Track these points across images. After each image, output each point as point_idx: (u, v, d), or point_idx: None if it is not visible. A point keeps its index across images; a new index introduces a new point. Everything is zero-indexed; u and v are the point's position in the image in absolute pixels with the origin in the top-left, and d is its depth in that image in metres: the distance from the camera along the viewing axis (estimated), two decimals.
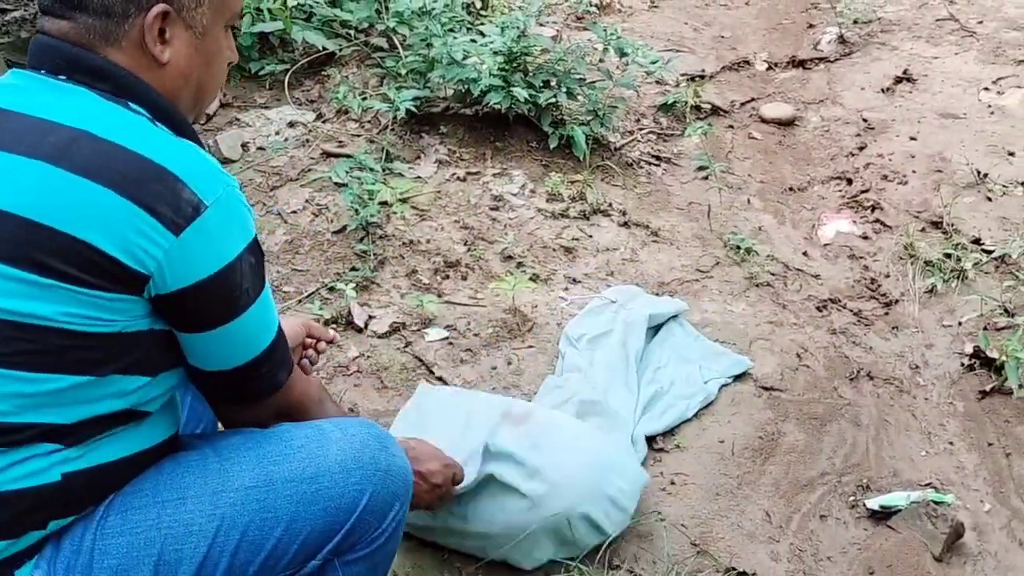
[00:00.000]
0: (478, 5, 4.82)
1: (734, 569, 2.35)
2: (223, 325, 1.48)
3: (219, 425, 1.74)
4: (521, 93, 3.85)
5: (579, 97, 4.13)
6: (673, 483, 2.64)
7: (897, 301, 3.52)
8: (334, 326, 3.03)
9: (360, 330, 3.05)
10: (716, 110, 4.71)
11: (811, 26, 5.62)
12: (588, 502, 2.27)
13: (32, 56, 1.50)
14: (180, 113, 1.56)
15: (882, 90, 4.88)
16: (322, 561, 1.59)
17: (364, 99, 4.07)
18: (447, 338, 3.07)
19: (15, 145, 1.41)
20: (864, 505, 2.65)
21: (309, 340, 2.10)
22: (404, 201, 3.66)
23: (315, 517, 1.56)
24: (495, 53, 3.90)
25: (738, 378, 3.02)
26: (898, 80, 4.93)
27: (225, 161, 3.87)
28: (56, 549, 1.46)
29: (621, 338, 2.99)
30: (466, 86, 3.94)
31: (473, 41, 4.00)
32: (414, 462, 1.85)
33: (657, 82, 4.77)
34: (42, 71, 1.49)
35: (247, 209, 1.51)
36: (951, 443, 2.90)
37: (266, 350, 1.56)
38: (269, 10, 4.29)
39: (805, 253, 3.78)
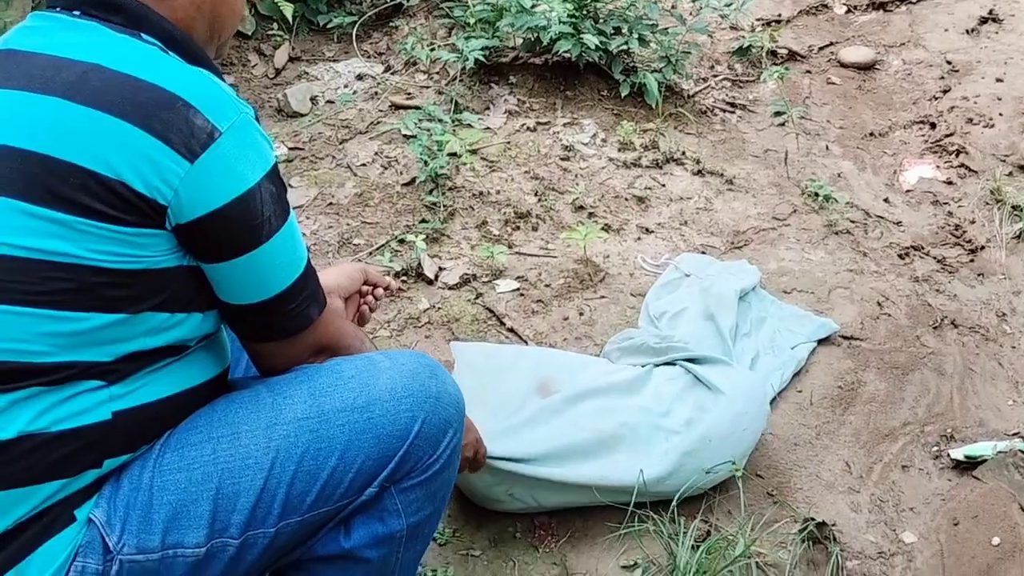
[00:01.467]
0: None
1: (812, 519, 2.29)
2: (246, 254, 1.46)
3: None
4: (591, 40, 3.78)
5: (651, 43, 4.05)
6: None
7: (983, 247, 3.40)
8: (404, 278, 3.01)
9: (431, 282, 3.02)
10: (793, 55, 4.59)
11: None
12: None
13: None
14: (195, 43, 1.54)
15: (967, 31, 4.71)
16: (378, 488, 1.58)
17: (432, 50, 4.03)
18: (518, 289, 3.03)
19: (29, 84, 1.40)
20: (948, 455, 2.57)
21: (366, 288, 2.08)
22: (473, 152, 3.62)
23: (368, 445, 1.55)
24: (564, 0, 3.82)
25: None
26: (983, 20, 4.76)
27: (294, 115, 3.87)
28: (115, 487, 1.47)
29: (707, 311, 2.83)
30: (535, 34, 3.88)
31: None
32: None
33: (732, 27, 4.65)
34: (57, 8, 1.49)
35: (264, 137, 1.49)
36: None
37: (295, 284, 1.53)
38: None
39: (886, 200, 3.67)
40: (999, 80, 4.28)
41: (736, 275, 3.00)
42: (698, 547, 2.18)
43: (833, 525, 2.30)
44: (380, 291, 2.11)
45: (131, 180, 1.36)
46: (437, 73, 4.08)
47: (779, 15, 4.90)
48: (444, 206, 3.33)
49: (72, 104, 1.37)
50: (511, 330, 2.87)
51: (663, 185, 3.59)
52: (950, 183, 3.76)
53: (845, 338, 2.93)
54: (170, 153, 1.37)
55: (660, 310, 2.89)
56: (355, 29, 4.32)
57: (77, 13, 1.47)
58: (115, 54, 1.42)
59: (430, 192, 3.37)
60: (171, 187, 1.37)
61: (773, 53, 4.53)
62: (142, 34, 1.47)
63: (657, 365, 2.54)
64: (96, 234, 1.36)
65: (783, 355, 2.79)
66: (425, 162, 3.39)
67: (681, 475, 2.26)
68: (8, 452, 1.37)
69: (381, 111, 3.87)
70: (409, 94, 3.97)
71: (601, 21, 3.95)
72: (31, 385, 1.38)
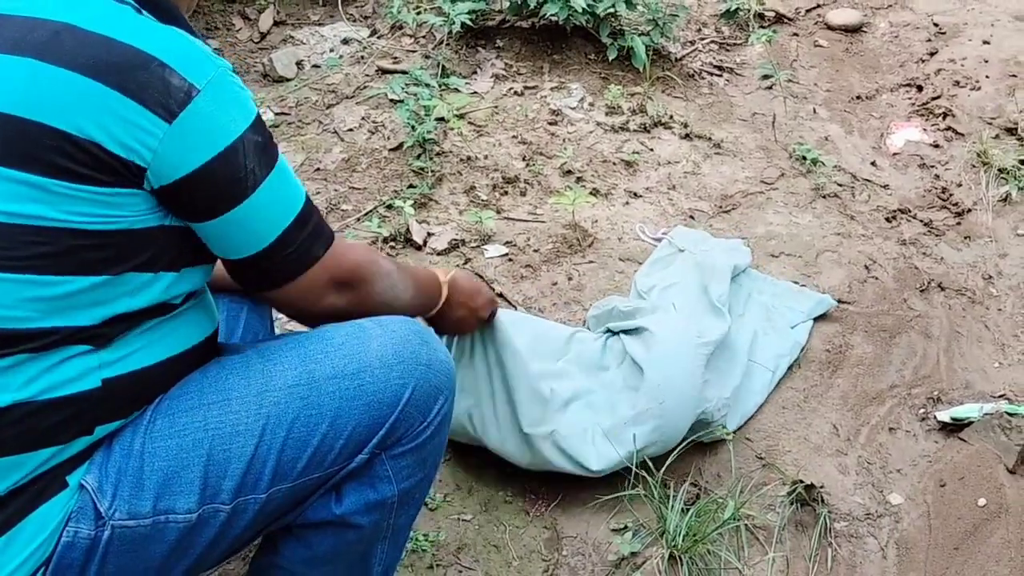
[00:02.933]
0: None
1: (801, 482, 2.31)
2: (234, 208, 1.45)
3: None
4: (579, 3, 3.76)
5: (638, 6, 4.02)
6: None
7: (969, 210, 3.42)
8: (392, 244, 3.01)
9: (419, 247, 3.02)
10: (780, 17, 4.57)
11: None
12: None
13: None
14: (170, 2, 1.51)
15: None
16: (369, 455, 1.58)
17: (419, 14, 4.00)
18: (507, 254, 3.03)
19: (1, 45, 1.38)
20: (935, 417, 2.59)
21: None
22: (461, 117, 3.60)
23: (358, 412, 1.55)
24: None
25: (803, 288, 2.95)
26: None
27: (280, 80, 3.85)
28: (107, 454, 1.47)
29: (701, 283, 2.78)
30: None
31: None
32: (465, 297, 1.92)
33: None
34: None
35: (244, 90, 1.47)
36: None
37: (290, 227, 1.51)
38: None
39: (873, 163, 3.67)
40: (986, 42, 4.27)
41: (729, 252, 2.95)
42: (688, 510, 2.19)
43: (821, 487, 2.32)
44: None
45: (106, 142, 1.34)
46: (423, 37, 4.06)
47: None
48: (432, 171, 3.32)
49: (45, 64, 1.35)
50: (500, 295, 2.87)
51: (651, 149, 3.59)
52: (937, 146, 3.76)
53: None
54: (146, 114, 1.35)
55: (649, 285, 2.86)
56: None
57: None
58: (88, 14, 1.40)
59: (418, 157, 3.36)
60: (149, 149, 1.36)
61: (760, 16, 4.51)
62: None
63: (615, 333, 2.56)
64: (73, 196, 1.35)
65: (783, 336, 2.75)
66: (412, 127, 3.37)
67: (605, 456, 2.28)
68: (1, 420, 1.37)
69: (368, 76, 3.85)
70: (396, 58, 3.95)
71: None
72: (17, 352, 1.37)
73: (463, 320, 1.95)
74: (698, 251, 2.95)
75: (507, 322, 2.15)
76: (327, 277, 1.58)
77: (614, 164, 3.49)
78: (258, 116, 1.48)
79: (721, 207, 3.33)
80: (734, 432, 2.43)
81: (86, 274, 1.39)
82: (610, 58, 3.93)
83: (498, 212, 3.20)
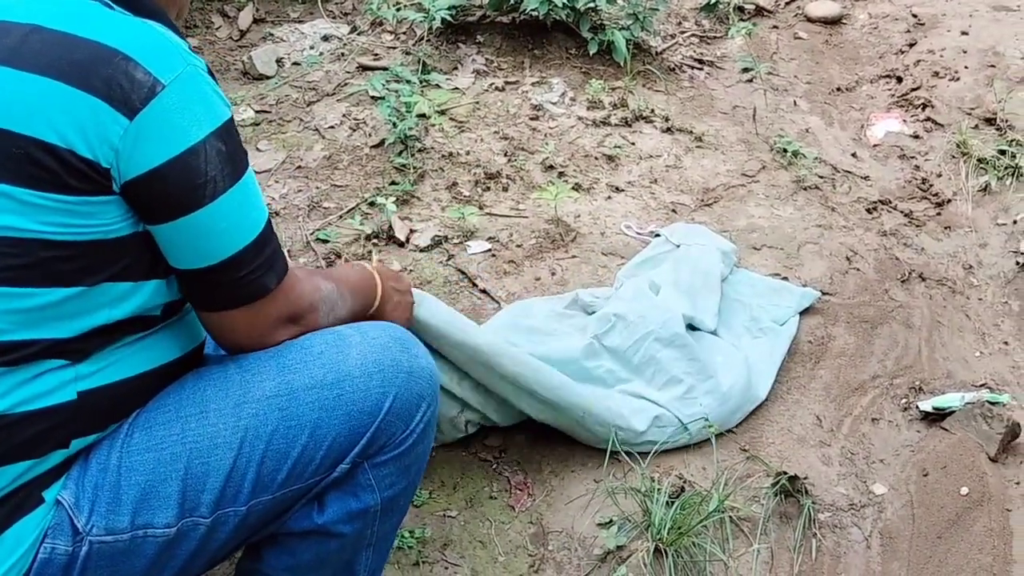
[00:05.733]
0: None
1: (785, 473, 2.32)
2: (188, 214, 1.40)
3: None
4: None
5: (618, 1, 4.03)
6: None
7: (949, 201, 3.44)
8: (375, 241, 3.01)
9: (402, 244, 3.02)
10: (760, 10, 4.58)
11: None
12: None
13: None
14: (152, 3, 1.48)
15: None
16: (350, 465, 1.56)
17: (398, 10, 4.00)
18: (490, 250, 3.03)
19: None
20: (917, 407, 2.61)
21: None
22: (442, 113, 3.60)
23: (339, 422, 1.53)
24: None
25: (785, 280, 2.97)
26: None
27: (260, 77, 3.84)
28: (83, 468, 1.45)
29: (689, 288, 2.77)
30: None
31: None
32: (393, 281, 1.86)
33: None
34: None
35: (216, 93, 1.43)
36: (1006, 343, 2.84)
37: (246, 249, 1.46)
38: None
39: (854, 154, 3.69)
40: (964, 33, 4.29)
41: (723, 255, 2.92)
42: (673, 503, 2.20)
43: (805, 479, 2.33)
44: None
45: (74, 144, 1.32)
46: (404, 33, 4.05)
47: None
48: (414, 168, 3.31)
49: (11, 70, 1.33)
50: (483, 291, 2.87)
51: (632, 143, 3.59)
52: (917, 137, 3.78)
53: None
54: (109, 111, 1.32)
55: (632, 273, 2.87)
56: None
57: None
58: (55, 13, 1.37)
59: (399, 154, 3.35)
60: (112, 147, 1.33)
61: (740, 8, 4.53)
62: None
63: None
64: (44, 206, 1.32)
65: (772, 335, 2.73)
66: (394, 124, 3.37)
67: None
68: None
69: (348, 72, 3.84)
70: (376, 55, 3.94)
71: None
72: None
73: (398, 305, 1.88)
74: (694, 244, 2.93)
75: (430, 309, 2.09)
76: (276, 312, 1.53)
77: (596, 158, 3.49)
78: (228, 122, 1.43)
79: (703, 200, 3.34)
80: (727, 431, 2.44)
81: (60, 285, 1.36)
82: (591, 52, 3.94)
83: (480, 208, 3.20)
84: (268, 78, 3.84)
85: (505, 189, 3.31)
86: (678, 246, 2.95)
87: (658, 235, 3.08)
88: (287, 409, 1.51)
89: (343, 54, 3.95)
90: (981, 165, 3.52)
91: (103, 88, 1.32)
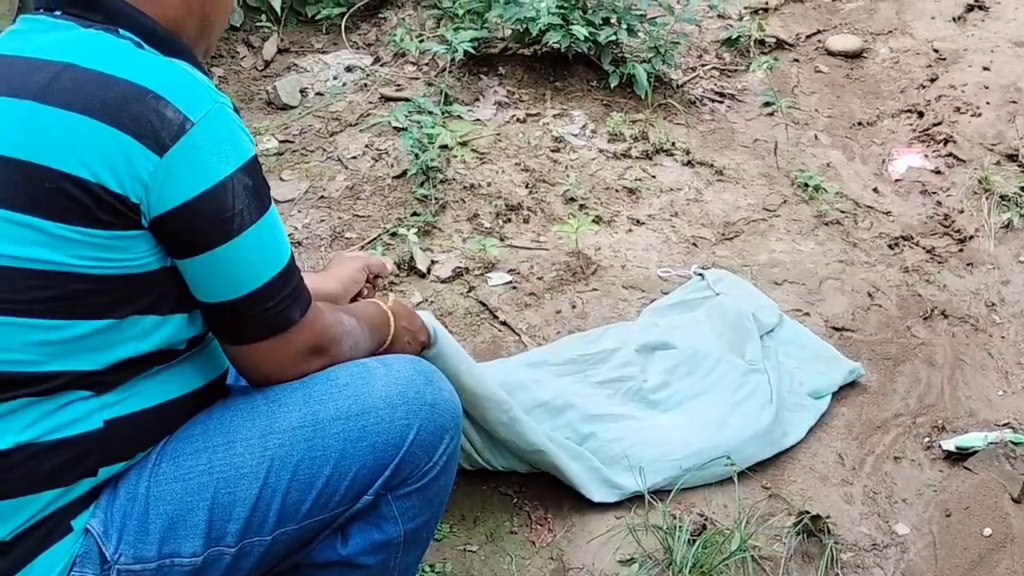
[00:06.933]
0: None
1: (807, 512, 2.31)
2: (216, 248, 1.42)
3: None
4: (580, 31, 3.78)
5: (640, 34, 4.05)
6: None
7: (972, 237, 3.43)
8: (397, 272, 3.01)
9: (423, 275, 3.02)
10: (781, 44, 4.59)
11: None
12: None
13: None
14: (181, 40, 1.52)
15: (953, 19, 4.72)
16: (374, 496, 1.58)
17: (421, 41, 4.02)
18: (510, 282, 3.04)
19: (6, 88, 1.40)
20: (939, 446, 2.59)
21: (368, 287, 2.08)
22: (464, 144, 3.61)
23: (363, 453, 1.55)
24: None
25: (806, 316, 2.96)
26: (970, 8, 4.77)
27: (284, 107, 3.86)
28: (112, 497, 1.47)
29: (731, 339, 2.76)
30: (524, 25, 3.87)
31: None
32: (407, 322, 1.86)
33: (719, 16, 4.66)
34: (40, 11, 1.49)
35: (241, 129, 1.46)
36: None
37: (271, 282, 1.47)
38: None
39: (875, 189, 3.69)
40: (986, 68, 4.29)
41: (760, 309, 2.85)
42: (694, 541, 2.19)
43: (827, 518, 2.32)
44: (381, 281, 2.12)
45: (104, 179, 1.34)
46: (426, 65, 4.07)
47: (766, 3, 4.89)
48: (435, 199, 3.33)
49: (44, 106, 1.36)
50: (504, 323, 2.87)
51: (653, 176, 3.60)
52: (938, 172, 3.77)
53: (836, 329, 2.95)
54: (140, 148, 1.35)
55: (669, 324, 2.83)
56: (344, 20, 4.30)
57: (58, 13, 1.47)
58: (87, 51, 1.41)
59: (421, 184, 3.37)
60: (142, 183, 1.36)
61: (761, 42, 4.53)
62: (119, 30, 1.46)
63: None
64: (76, 240, 1.35)
65: (805, 403, 2.64)
66: (416, 155, 3.38)
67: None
68: (3, 462, 1.37)
69: (371, 103, 3.86)
70: (399, 86, 3.96)
71: (590, 12, 3.95)
72: (20, 396, 1.37)
73: (407, 345, 1.88)
74: (732, 295, 2.89)
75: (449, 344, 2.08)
76: (302, 344, 1.54)
77: (617, 191, 3.50)
78: (253, 159, 1.46)
79: (724, 234, 3.34)
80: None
81: (90, 318, 1.39)
82: (612, 85, 3.95)
83: (501, 240, 3.20)
84: (292, 108, 3.87)
85: (526, 221, 3.31)
86: (717, 294, 2.93)
87: (701, 275, 3.05)
88: (312, 440, 1.53)
89: (366, 85, 3.98)
90: (1003, 202, 3.51)
91: (134, 125, 1.35)
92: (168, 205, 1.38)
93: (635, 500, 2.29)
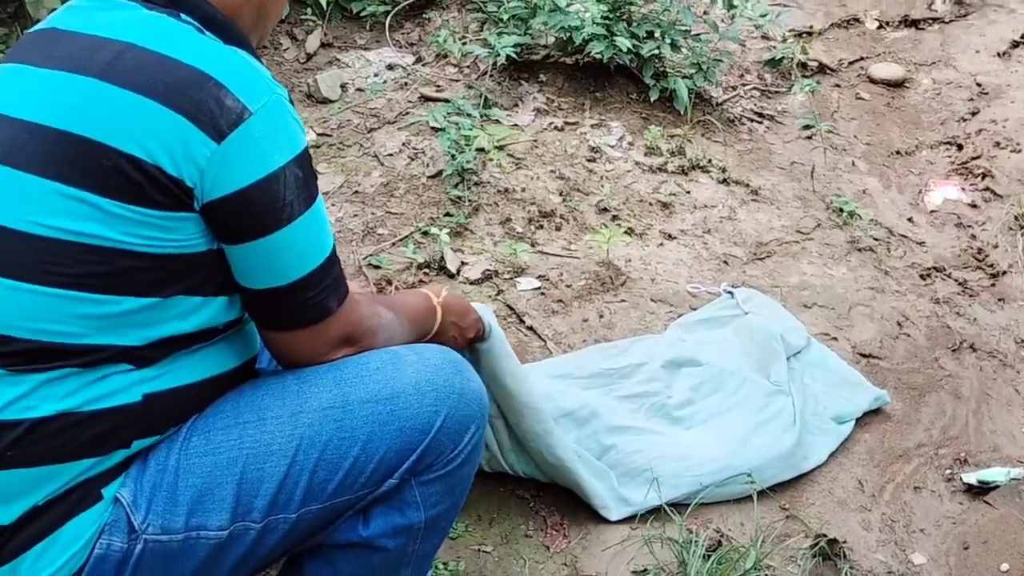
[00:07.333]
0: None
1: (824, 536, 2.29)
2: (265, 236, 1.45)
3: None
4: (624, 43, 3.78)
5: (683, 49, 4.05)
6: None
7: (1004, 272, 3.40)
8: (426, 270, 3.02)
9: (452, 276, 3.03)
10: (823, 68, 4.58)
11: None
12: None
13: None
14: (237, 28, 1.54)
15: (998, 54, 4.70)
16: (399, 480, 1.59)
17: (464, 44, 4.04)
18: (539, 288, 3.04)
19: (67, 64, 1.42)
20: (961, 479, 2.57)
21: None
22: (501, 148, 3.62)
23: (391, 437, 1.56)
24: (599, 1, 3.83)
25: (834, 340, 2.95)
26: (1015, 44, 4.75)
27: (324, 101, 3.89)
28: (142, 468, 1.49)
29: (758, 358, 2.76)
30: (568, 34, 3.88)
31: None
32: (456, 318, 1.90)
33: (764, 37, 4.66)
34: None
35: (296, 121, 1.48)
36: None
37: (315, 272, 1.51)
38: None
39: (910, 219, 3.67)
40: None
41: (789, 331, 2.84)
42: (709, 556, 2.18)
43: (844, 542, 2.31)
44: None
45: (161, 161, 1.37)
46: (468, 67, 4.09)
47: (811, 27, 4.89)
48: (469, 201, 3.33)
49: (106, 84, 1.39)
50: (531, 328, 2.88)
51: (688, 192, 3.59)
52: (975, 206, 3.75)
53: (863, 356, 2.94)
54: (198, 133, 1.37)
55: (696, 340, 2.82)
56: (388, 18, 4.32)
57: None
58: (150, 33, 1.43)
59: (456, 186, 3.38)
60: (198, 168, 1.38)
61: (803, 65, 4.52)
62: (181, 14, 1.48)
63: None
64: (128, 217, 1.37)
65: (828, 427, 2.63)
66: (452, 156, 3.39)
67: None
68: (42, 430, 1.39)
69: (410, 102, 3.88)
70: (439, 87, 3.98)
71: (634, 24, 3.96)
72: (63, 366, 1.39)
73: (451, 340, 1.91)
74: (761, 315, 2.88)
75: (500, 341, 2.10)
76: (337, 333, 1.58)
77: (650, 204, 3.50)
78: (305, 150, 1.49)
79: (755, 254, 3.33)
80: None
81: (137, 295, 1.41)
82: (652, 99, 3.95)
83: (532, 245, 3.21)
84: (331, 102, 3.88)
85: (558, 228, 3.32)
86: (746, 313, 2.92)
87: (731, 293, 3.04)
88: (341, 421, 1.55)
89: (406, 83, 4.00)
90: None
91: (193, 111, 1.38)
92: (222, 191, 1.40)
93: (652, 512, 2.28)
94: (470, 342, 2.00)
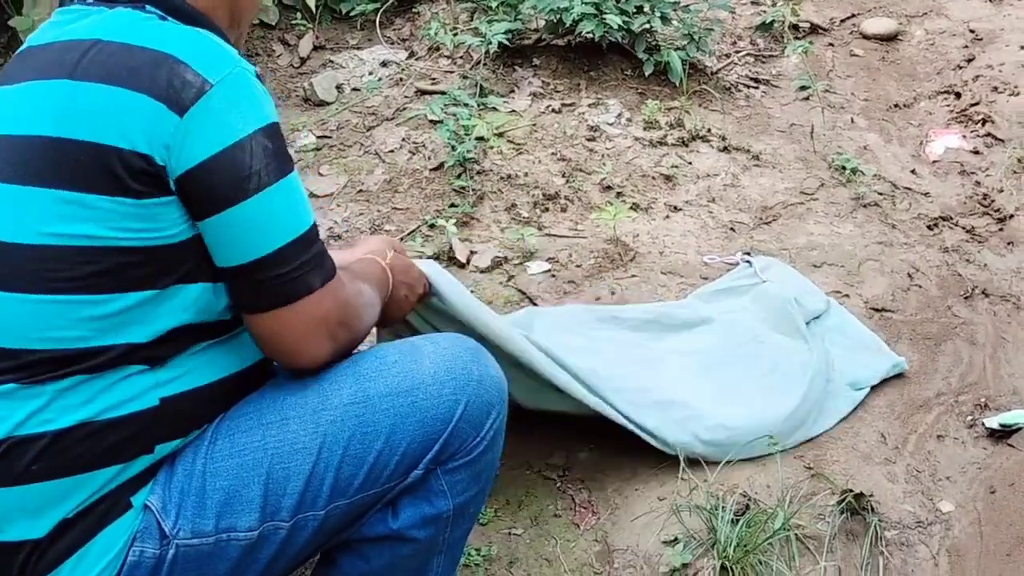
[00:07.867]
0: None
1: (850, 491, 2.31)
2: (234, 206, 1.44)
3: None
4: (614, 20, 3.79)
5: (673, 21, 4.05)
6: None
7: (1011, 216, 3.41)
8: (437, 262, 3.04)
9: (463, 265, 3.05)
10: (815, 28, 4.58)
11: None
12: None
13: None
14: (205, 18, 1.56)
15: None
16: (424, 470, 1.61)
17: (455, 35, 4.05)
18: (549, 270, 3.06)
19: (40, 72, 1.47)
20: (983, 424, 2.58)
21: None
22: (500, 135, 3.64)
23: (413, 429, 1.58)
24: None
25: (846, 298, 2.96)
26: None
27: (321, 103, 3.91)
28: (169, 474, 1.51)
29: (762, 315, 2.79)
30: (558, 16, 3.89)
31: None
32: (403, 275, 1.88)
33: (753, 2, 4.66)
34: (74, 2, 1.55)
35: (264, 94, 1.49)
36: None
37: (289, 246, 1.48)
38: None
39: (913, 171, 3.67)
40: (1023, 48, 4.26)
41: (806, 295, 2.85)
42: (738, 520, 2.20)
43: (871, 496, 2.32)
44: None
45: (136, 143, 1.40)
46: (461, 57, 4.10)
47: None
48: (473, 190, 3.35)
49: (77, 83, 1.42)
50: None
51: (690, 163, 3.60)
52: (977, 152, 3.75)
53: (876, 310, 2.95)
54: (162, 110, 1.40)
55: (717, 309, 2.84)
56: (378, 16, 4.34)
57: (90, 1, 1.53)
58: (113, 27, 1.47)
59: (459, 176, 3.40)
60: (164, 145, 1.40)
61: (795, 27, 4.52)
62: (145, 6, 1.51)
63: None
64: (115, 211, 1.40)
65: (842, 394, 2.62)
66: (453, 147, 3.41)
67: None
68: (64, 441, 1.42)
69: (407, 97, 3.89)
70: (434, 79, 4.00)
71: (623, 1, 3.96)
72: (74, 373, 1.42)
73: (404, 299, 1.89)
74: (779, 282, 2.88)
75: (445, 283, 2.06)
76: (321, 314, 1.53)
77: (653, 178, 3.51)
78: (274, 124, 1.49)
79: (762, 219, 3.34)
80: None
81: (134, 290, 1.43)
82: (646, 73, 3.96)
83: (540, 229, 3.23)
84: (328, 104, 3.91)
85: (563, 210, 3.33)
86: (764, 281, 2.92)
87: (749, 262, 3.04)
88: (363, 416, 1.57)
89: (401, 79, 4.01)
90: None
91: (155, 89, 1.41)
92: (188, 164, 1.42)
93: (677, 481, 2.30)
94: (420, 298, 1.98)
